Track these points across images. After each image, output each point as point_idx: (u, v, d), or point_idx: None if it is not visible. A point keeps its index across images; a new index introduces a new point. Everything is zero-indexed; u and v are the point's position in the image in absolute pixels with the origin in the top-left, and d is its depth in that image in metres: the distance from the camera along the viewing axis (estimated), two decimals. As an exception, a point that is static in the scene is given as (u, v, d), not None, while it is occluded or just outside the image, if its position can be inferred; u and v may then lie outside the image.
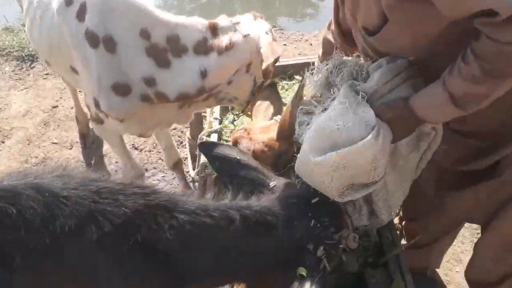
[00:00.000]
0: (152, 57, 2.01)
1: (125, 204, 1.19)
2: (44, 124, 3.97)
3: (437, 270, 2.86)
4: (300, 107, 1.70)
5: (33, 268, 1.09)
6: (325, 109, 1.52)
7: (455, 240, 3.03)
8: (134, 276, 1.26)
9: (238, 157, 1.65)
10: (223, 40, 2.04)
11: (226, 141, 2.62)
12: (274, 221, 1.43)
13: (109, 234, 1.15)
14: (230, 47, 2.04)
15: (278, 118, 2.02)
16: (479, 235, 3.04)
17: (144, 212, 1.23)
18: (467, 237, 3.05)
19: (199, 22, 2.05)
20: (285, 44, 5.12)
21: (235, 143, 1.89)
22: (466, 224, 3.14)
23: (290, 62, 3.10)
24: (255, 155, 1.79)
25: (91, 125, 3.87)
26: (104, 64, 2.04)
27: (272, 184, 1.57)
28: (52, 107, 4.13)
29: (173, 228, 1.26)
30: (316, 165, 1.42)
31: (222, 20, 2.10)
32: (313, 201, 1.54)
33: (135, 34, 1.99)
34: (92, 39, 2.02)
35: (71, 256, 1.14)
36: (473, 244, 2.99)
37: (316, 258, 1.45)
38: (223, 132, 2.69)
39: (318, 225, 1.49)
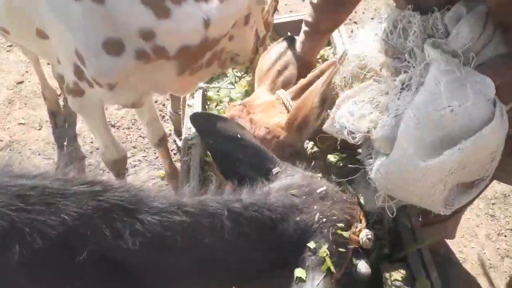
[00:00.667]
0: (148, 5, 1.66)
1: (66, 209, 0.86)
2: (9, 103, 3.56)
3: (450, 247, 2.61)
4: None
5: None
6: (408, 86, 1.14)
7: (470, 213, 2.77)
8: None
9: (238, 135, 1.33)
10: None
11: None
12: (270, 216, 1.12)
13: (41, 252, 0.83)
14: None
15: (283, 95, 1.66)
16: (495, 205, 2.79)
17: (93, 217, 0.90)
18: (482, 208, 2.78)
19: None
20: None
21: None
22: (481, 194, 2.87)
23: (281, 20, 2.70)
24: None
25: (62, 101, 3.57)
26: (91, 19, 1.67)
27: (275, 170, 1.25)
28: (17, 83, 3.71)
29: (136, 235, 0.94)
30: (429, 170, 1.08)
31: None
32: (319, 190, 1.24)
33: None
34: None
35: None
36: (489, 217, 2.74)
37: (317, 258, 1.16)
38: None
39: (324, 219, 1.19)
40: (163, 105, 3.53)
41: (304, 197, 1.20)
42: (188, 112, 2.34)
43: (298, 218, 1.16)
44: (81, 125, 3.39)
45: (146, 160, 3.15)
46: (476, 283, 2.46)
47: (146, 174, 3.05)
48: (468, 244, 2.62)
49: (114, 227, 0.94)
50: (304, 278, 1.13)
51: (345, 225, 1.20)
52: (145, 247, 0.97)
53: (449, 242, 2.62)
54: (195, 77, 2.01)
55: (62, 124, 3.38)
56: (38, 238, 0.86)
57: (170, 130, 3.33)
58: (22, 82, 3.72)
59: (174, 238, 1.01)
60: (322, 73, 1.60)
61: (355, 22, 4.10)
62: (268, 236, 1.14)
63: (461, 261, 2.55)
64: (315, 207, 1.17)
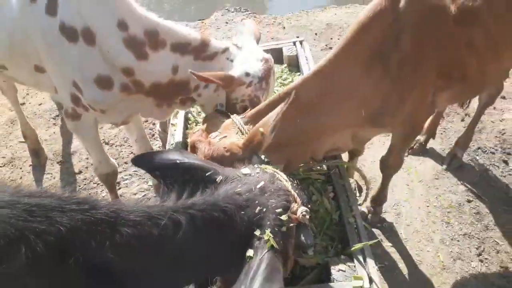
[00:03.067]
0: (130, 49, 2.03)
1: (61, 221, 1.14)
2: (11, 123, 3.87)
3: (408, 249, 2.91)
4: None
5: None
6: None
7: (427, 220, 3.07)
8: None
9: (178, 161, 1.59)
10: (206, 52, 2.17)
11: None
12: (220, 216, 1.39)
13: (42, 255, 1.11)
14: (208, 59, 2.18)
15: (237, 120, 1.97)
16: (450, 213, 3.09)
17: (82, 229, 1.17)
18: (439, 216, 3.08)
19: (190, 31, 2.15)
20: (257, 28, 5.05)
21: (193, 147, 1.85)
22: (437, 203, 3.18)
23: (263, 48, 3.05)
24: (213, 159, 1.74)
25: (54, 129, 3.87)
26: (85, 59, 2.03)
27: (218, 179, 1.52)
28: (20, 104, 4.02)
29: (116, 245, 1.20)
30: None
31: (216, 42, 2.20)
32: (258, 186, 1.50)
33: (112, 25, 1.98)
34: (70, 33, 1.98)
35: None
36: (444, 223, 3.04)
37: (263, 241, 1.41)
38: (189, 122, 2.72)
39: (264, 209, 1.44)
40: (153, 124, 3.85)
41: (246, 194, 1.46)
42: (172, 130, 2.67)
43: (243, 213, 1.42)
44: (77, 143, 3.69)
45: (137, 174, 3.44)
46: (430, 282, 2.75)
47: (137, 187, 3.35)
48: (424, 248, 2.91)
49: (97, 239, 1.20)
50: (252, 256, 1.40)
51: (283, 209, 1.43)
52: (123, 256, 1.23)
53: (407, 245, 2.92)
54: (171, 109, 2.41)
55: (45, 161, 3.55)
56: (40, 243, 1.11)
57: (159, 147, 3.63)
58: (23, 103, 4.02)
59: (147, 246, 1.27)
60: (278, 101, 1.91)
61: (330, 48, 4.46)
62: (222, 234, 1.40)
63: (418, 263, 2.83)
64: (256, 201, 1.42)
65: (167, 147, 2.59)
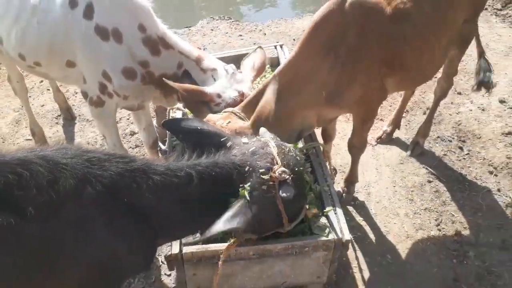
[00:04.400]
0: (147, 46, 2.56)
1: (111, 169, 1.55)
2: (16, 123, 4.19)
3: (377, 222, 3.36)
4: None
5: (41, 217, 1.43)
6: None
7: (393, 198, 3.54)
8: (120, 229, 1.62)
9: (199, 127, 2.01)
10: (200, 66, 2.69)
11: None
12: (220, 172, 1.77)
13: (100, 192, 1.51)
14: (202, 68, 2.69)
15: (230, 109, 2.40)
16: (413, 192, 3.57)
17: (126, 175, 1.58)
18: (404, 194, 3.55)
19: (190, 47, 2.72)
20: (240, 35, 5.49)
21: None
22: (402, 184, 3.66)
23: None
24: None
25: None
26: (115, 53, 2.53)
27: (229, 144, 1.94)
28: (22, 106, 4.34)
29: (150, 187, 1.62)
30: None
31: (209, 61, 2.72)
32: (250, 150, 1.90)
33: (134, 27, 2.52)
34: (103, 33, 2.48)
35: (72, 209, 1.49)
36: (408, 200, 3.51)
37: (250, 192, 1.79)
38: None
39: (251, 169, 1.82)
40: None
41: (240, 156, 1.87)
42: None
43: (237, 171, 1.82)
44: (79, 140, 4.03)
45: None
46: (396, 249, 3.20)
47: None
48: (391, 221, 3.37)
49: (137, 182, 1.61)
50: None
51: (266, 169, 1.83)
52: (154, 196, 1.63)
53: (376, 220, 3.38)
54: (175, 100, 2.87)
55: None
56: (98, 184, 1.52)
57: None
58: (27, 105, 4.34)
59: (169, 191, 1.68)
60: (264, 87, 2.37)
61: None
62: (221, 186, 1.80)
63: (385, 234, 3.29)
64: (248, 162, 1.84)
65: (168, 136, 3.00)
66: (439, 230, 3.31)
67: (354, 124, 2.97)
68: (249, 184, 1.84)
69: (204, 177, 1.75)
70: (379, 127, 4.14)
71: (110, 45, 2.51)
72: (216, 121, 2.30)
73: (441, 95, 3.63)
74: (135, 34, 2.55)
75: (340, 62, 2.48)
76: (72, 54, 2.62)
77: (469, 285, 2.96)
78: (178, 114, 3.10)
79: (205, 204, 1.81)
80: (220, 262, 2.10)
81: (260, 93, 2.39)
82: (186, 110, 3.19)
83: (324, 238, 2.24)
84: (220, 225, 1.71)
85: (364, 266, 3.05)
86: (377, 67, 2.59)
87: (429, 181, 3.66)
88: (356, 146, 3.06)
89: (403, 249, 3.20)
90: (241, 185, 1.85)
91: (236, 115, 2.35)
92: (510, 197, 3.50)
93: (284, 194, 1.87)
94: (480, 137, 4.02)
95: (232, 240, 2.09)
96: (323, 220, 2.35)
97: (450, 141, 4.01)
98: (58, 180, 1.45)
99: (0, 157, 1.44)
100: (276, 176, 1.86)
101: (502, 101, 4.33)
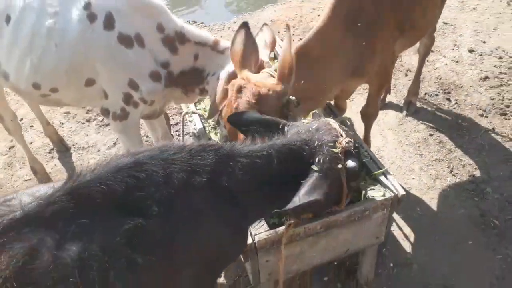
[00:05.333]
0: (166, 46, 2.55)
1: (208, 157, 1.58)
2: (9, 166, 3.98)
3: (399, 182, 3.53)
4: None
5: (161, 214, 1.44)
6: None
7: (404, 156, 3.73)
8: (225, 214, 1.65)
9: (260, 119, 2.04)
10: (218, 48, 2.68)
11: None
12: (293, 149, 1.83)
13: (206, 181, 1.54)
14: (220, 53, 2.68)
15: (269, 70, 2.44)
16: (420, 147, 3.77)
17: (220, 162, 1.61)
18: (412, 151, 3.76)
19: (206, 33, 2.70)
20: (209, 36, 5.51)
21: (240, 90, 2.25)
22: (408, 142, 3.86)
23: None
24: (261, 97, 2.16)
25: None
26: (140, 58, 2.50)
27: (286, 127, 1.99)
28: (9, 148, 4.13)
29: (240, 170, 1.65)
30: None
31: (224, 41, 2.72)
32: (314, 127, 1.97)
33: (153, 28, 2.49)
34: (126, 41, 2.44)
35: (186, 201, 1.51)
36: (418, 156, 3.71)
37: (314, 169, 1.88)
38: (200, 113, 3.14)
39: (320, 143, 1.87)
40: (147, 136, 4.16)
41: (306, 134, 1.93)
42: (189, 118, 3.07)
43: (307, 147, 1.90)
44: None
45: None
46: (422, 200, 3.39)
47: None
48: (409, 177, 3.56)
49: (231, 166, 1.64)
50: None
51: (333, 142, 1.88)
52: (245, 178, 1.66)
53: (397, 178, 3.54)
54: (195, 96, 2.91)
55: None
56: (203, 174, 1.55)
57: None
58: (13, 146, 4.13)
59: (255, 170, 1.71)
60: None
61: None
62: (295, 162, 1.87)
63: (408, 189, 3.46)
64: (315, 137, 1.90)
65: (183, 135, 3.02)
66: (454, 175, 3.54)
67: (370, 92, 3.10)
68: (321, 157, 1.90)
69: (281, 155, 1.79)
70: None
71: (135, 51, 2.47)
72: (254, 78, 2.31)
73: (425, 52, 3.86)
74: (155, 35, 2.52)
75: (362, 32, 2.59)
76: (93, 71, 2.55)
77: (495, 218, 3.20)
78: (195, 118, 3.11)
79: (283, 182, 1.85)
80: (282, 246, 2.15)
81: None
82: (200, 111, 3.21)
83: (381, 198, 2.35)
84: (302, 198, 1.75)
85: (400, 222, 3.20)
86: (391, 32, 2.73)
87: (431, 135, 3.89)
88: (372, 113, 3.20)
89: (428, 200, 3.39)
90: (311, 160, 1.91)
91: (272, 75, 2.40)
92: (505, 133, 3.80)
93: (352, 164, 1.96)
94: (462, 86, 4.32)
95: (289, 222, 2.15)
96: (373, 184, 2.46)
97: (437, 95, 4.27)
98: (171, 176, 1.48)
99: (112, 166, 1.43)
100: (344, 146, 1.93)
101: (471, 51, 4.67)
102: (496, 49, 4.62)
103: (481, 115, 4.01)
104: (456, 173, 3.55)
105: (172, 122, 4.23)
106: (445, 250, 3.05)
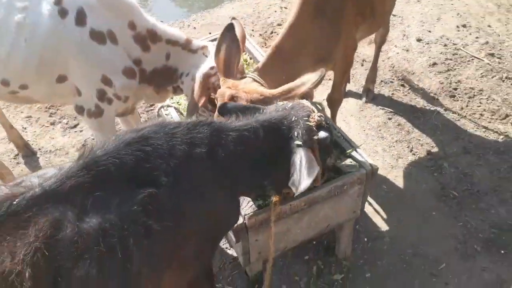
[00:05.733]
0: (138, 43, 2.59)
1: (203, 131, 1.69)
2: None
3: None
4: None
5: (169, 184, 1.53)
6: None
7: (368, 140, 3.96)
8: (223, 184, 1.76)
9: (243, 106, 2.15)
10: (190, 47, 2.77)
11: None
12: (274, 125, 1.95)
13: (204, 152, 1.65)
14: (191, 52, 2.78)
15: (251, 75, 2.56)
16: (381, 130, 4.02)
17: (213, 135, 1.72)
18: (374, 134, 4.00)
19: (178, 32, 2.78)
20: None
21: (232, 99, 2.37)
22: (369, 126, 4.10)
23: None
24: (253, 101, 2.30)
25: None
26: (114, 55, 2.52)
27: (264, 109, 2.11)
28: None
29: (231, 143, 1.76)
30: None
31: (197, 41, 2.84)
32: (289, 106, 2.11)
33: (125, 26, 2.53)
34: (99, 37, 2.45)
35: (189, 171, 1.61)
36: (380, 138, 3.96)
37: (297, 144, 2.00)
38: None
39: (296, 118, 2.01)
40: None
41: (283, 111, 2.06)
42: (165, 112, 3.12)
43: (285, 122, 2.01)
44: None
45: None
46: (387, 178, 3.64)
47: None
48: (373, 158, 3.79)
49: (223, 137, 1.75)
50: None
51: (307, 116, 2.02)
52: (236, 149, 1.77)
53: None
54: (167, 95, 3.01)
55: None
56: (202, 145, 1.66)
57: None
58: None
59: (243, 143, 1.81)
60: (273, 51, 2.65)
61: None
62: (276, 137, 1.98)
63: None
64: (291, 113, 2.02)
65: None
66: (413, 154, 3.82)
67: (335, 79, 3.29)
68: (299, 130, 2.02)
69: (264, 129, 1.91)
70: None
71: (108, 47, 2.49)
72: (241, 85, 2.43)
73: (381, 41, 4.14)
74: (127, 32, 2.55)
75: (327, 22, 2.79)
76: (64, 67, 2.53)
77: (454, 189, 3.50)
78: (171, 111, 3.16)
79: (266, 155, 1.96)
80: (272, 223, 2.28)
81: (270, 58, 2.64)
82: (175, 105, 3.27)
83: (358, 173, 2.53)
84: (309, 173, 1.85)
85: (370, 200, 3.42)
86: (354, 20, 2.94)
87: (389, 118, 4.16)
88: (337, 99, 3.40)
89: (392, 178, 3.65)
90: (290, 135, 2.03)
91: (255, 80, 2.53)
92: (457, 113, 4.15)
93: (324, 134, 2.11)
94: (414, 73, 4.64)
95: (274, 199, 2.28)
96: (347, 161, 2.64)
97: (392, 82, 4.57)
98: (174, 148, 1.58)
99: (120, 141, 1.52)
100: (317, 120, 2.08)
101: (419, 40, 5.02)
102: (441, 37, 5.00)
103: (433, 98, 4.34)
104: (416, 152, 3.84)
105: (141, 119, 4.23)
106: (412, 222, 3.30)
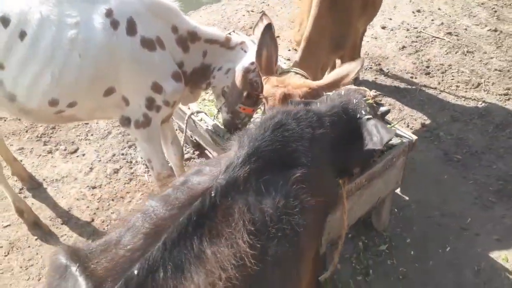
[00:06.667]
0: (180, 46, 2.64)
1: (313, 116, 1.84)
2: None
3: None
4: None
5: (307, 162, 1.65)
6: None
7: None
8: (331, 160, 1.91)
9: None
10: (229, 45, 2.82)
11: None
12: (346, 107, 2.12)
13: (319, 133, 1.81)
14: (229, 49, 2.83)
15: (292, 69, 2.71)
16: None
17: (318, 119, 1.86)
18: (372, 116, 4.32)
19: (218, 32, 2.84)
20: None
21: (286, 98, 2.49)
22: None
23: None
24: (304, 96, 2.46)
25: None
26: (163, 60, 2.56)
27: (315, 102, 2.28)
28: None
29: (329, 125, 1.91)
30: None
31: (236, 37, 2.94)
32: (343, 92, 2.30)
33: (169, 30, 2.57)
34: (149, 44, 2.47)
35: (316, 149, 1.75)
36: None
37: (366, 117, 2.20)
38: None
39: (357, 100, 2.18)
40: (122, 154, 4.04)
41: (342, 97, 2.26)
42: (198, 117, 3.19)
43: (350, 105, 2.22)
44: (64, 203, 3.65)
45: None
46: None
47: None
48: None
49: (322, 121, 1.89)
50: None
51: (364, 96, 2.24)
52: (329, 130, 1.92)
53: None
54: (199, 94, 3.09)
55: (48, 229, 3.41)
56: (316, 129, 1.80)
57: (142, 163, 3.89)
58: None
59: (334, 126, 1.97)
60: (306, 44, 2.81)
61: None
62: (348, 120, 2.17)
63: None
64: (350, 97, 2.22)
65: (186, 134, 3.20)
66: (411, 129, 4.18)
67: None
68: (364, 108, 2.23)
69: (343, 112, 2.09)
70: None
71: (158, 54, 2.51)
72: (286, 81, 2.57)
73: (364, 30, 4.47)
74: (171, 36, 2.59)
75: (340, 13, 3.04)
76: (114, 78, 2.50)
77: (455, 153, 3.91)
78: (203, 116, 3.20)
79: (347, 137, 2.13)
80: (344, 200, 2.45)
81: (305, 50, 2.85)
82: (205, 111, 3.31)
83: (402, 145, 2.78)
84: (387, 133, 2.05)
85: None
86: (359, 10, 3.23)
87: (380, 100, 4.51)
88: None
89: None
90: (357, 116, 2.23)
91: (297, 73, 2.69)
92: (436, 88, 4.60)
93: (385, 108, 2.36)
94: (387, 57, 5.05)
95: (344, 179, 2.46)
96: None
97: (371, 67, 4.94)
98: (303, 131, 1.73)
99: (265, 128, 1.65)
100: (373, 96, 2.31)
101: (383, 27, 5.46)
102: (402, 23, 5.49)
103: (411, 77, 4.76)
104: (412, 126, 4.21)
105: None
106: (429, 187, 3.64)
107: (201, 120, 3.18)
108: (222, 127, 3.11)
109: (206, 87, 2.98)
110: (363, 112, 2.18)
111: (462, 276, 3.05)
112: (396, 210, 3.49)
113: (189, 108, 3.31)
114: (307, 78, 2.75)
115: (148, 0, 2.53)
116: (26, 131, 4.25)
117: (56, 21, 2.34)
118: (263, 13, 3.00)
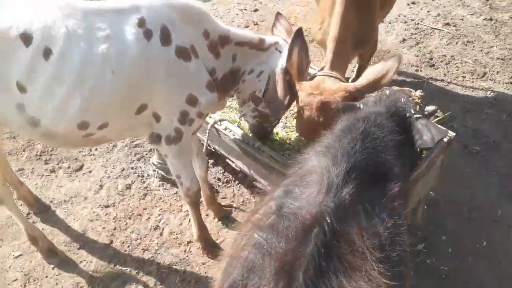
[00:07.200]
0: (212, 53, 2.46)
1: (387, 120, 1.81)
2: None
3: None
4: None
5: (397, 174, 1.58)
6: None
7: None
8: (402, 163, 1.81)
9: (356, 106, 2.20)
10: (263, 46, 2.66)
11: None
12: (391, 112, 2.05)
13: (397, 136, 1.77)
14: (262, 50, 2.66)
15: (322, 73, 2.59)
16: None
17: (384, 124, 1.81)
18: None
19: (252, 34, 2.67)
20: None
21: (323, 106, 2.39)
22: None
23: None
24: (343, 100, 2.37)
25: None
26: (199, 70, 2.36)
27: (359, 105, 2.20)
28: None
29: (398, 126, 1.87)
30: None
31: (269, 38, 2.72)
32: (388, 92, 2.24)
33: (201, 36, 2.39)
34: (184, 54, 2.27)
35: (399, 152, 1.67)
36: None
37: (415, 117, 2.14)
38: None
39: (404, 100, 2.15)
40: (122, 170, 3.82)
41: (392, 96, 2.17)
42: (223, 126, 3.04)
43: (396, 107, 2.13)
44: (76, 227, 3.40)
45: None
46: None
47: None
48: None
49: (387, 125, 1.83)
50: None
51: (411, 97, 2.25)
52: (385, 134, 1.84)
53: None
54: (226, 101, 2.91)
55: (64, 256, 3.18)
56: (394, 133, 1.72)
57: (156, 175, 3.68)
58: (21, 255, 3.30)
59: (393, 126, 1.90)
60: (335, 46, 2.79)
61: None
62: (398, 120, 2.08)
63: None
64: (396, 97, 2.13)
65: (205, 143, 2.99)
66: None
67: (362, 63, 3.54)
68: (413, 108, 2.18)
69: (397, 113, 2.03)
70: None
71: (193, 63, 2.31)
72: (321, 86, 2.48)
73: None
74: (203, 43, 2.40)
75: (362, 11, 3.00)
76: (148, 94, 2.28)
77: (473, 144, 3.91)
78: (228, 124, 3.03)
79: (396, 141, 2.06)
80: None
81: (335, 51, 2.80)
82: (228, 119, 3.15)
83: (442, 143, 2.71)
84: (441, 133, 2.06)
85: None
86: (377, 8, 3.18)
87: (389, 95, 4.45)
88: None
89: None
90: (407, 115, 2.16)
91: (330, 76, 2.58)
92: (443, 79, 4.58)
93: (433, 108, 2.31)
94: (389, 51, 5.01)
95: None
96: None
97: (375, 62, 4.87)
98: (386, 138, 1.71)
99: (351, 139, 1.59)
100: (419, 96, 2.27)
101: (380, 21, 5.41)
102: (399, 16, 5.46)
103: (416, 70, 4.73)
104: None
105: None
106: (453, 182, 3.60)
107: (225, 128, 3.01)
108: (250, 134, 2.96)
109: (234, 93, 2.80)
110: (412, 111, 2.13)
111: (501, 270, 3.02)
112: (425, 207, 3.43)
113: (210, 117, 3.13)
114: (341, 80, 2.64)
115: (178, 4, 2.31)
116: (24, 150, 3.96)
117: (84, 35, 2.09)
118: (278, 13, 2.87)
